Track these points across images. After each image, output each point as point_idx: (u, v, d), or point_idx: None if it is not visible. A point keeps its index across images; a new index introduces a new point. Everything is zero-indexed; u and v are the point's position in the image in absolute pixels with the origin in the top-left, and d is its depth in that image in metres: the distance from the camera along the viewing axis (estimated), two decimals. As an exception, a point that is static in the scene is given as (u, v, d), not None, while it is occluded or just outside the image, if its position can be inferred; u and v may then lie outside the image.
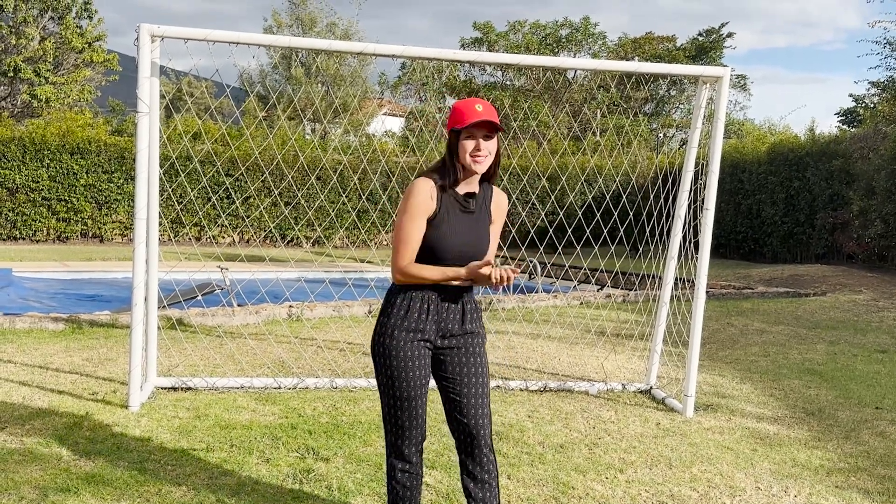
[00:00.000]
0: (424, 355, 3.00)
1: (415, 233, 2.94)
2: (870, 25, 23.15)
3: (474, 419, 3.01)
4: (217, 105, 27.14)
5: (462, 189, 3.03)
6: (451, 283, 2.97)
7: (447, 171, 2.99)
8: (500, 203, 3.15)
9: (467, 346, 3.04)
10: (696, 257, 5.66)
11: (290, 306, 8.67)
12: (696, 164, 5.90)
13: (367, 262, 15.84)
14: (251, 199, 18.97)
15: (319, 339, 7.47)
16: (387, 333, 2.98)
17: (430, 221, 2.95)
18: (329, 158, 18.75)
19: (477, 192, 3.06)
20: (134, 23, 4.98)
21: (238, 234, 19.45)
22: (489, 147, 2.97)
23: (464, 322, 3.03)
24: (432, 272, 2.94)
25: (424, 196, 2.95)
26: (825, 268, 14.90)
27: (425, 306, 2.98)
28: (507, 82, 30.06)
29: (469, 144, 2.94)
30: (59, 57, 22.29)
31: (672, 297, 6.23)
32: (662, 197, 6.37)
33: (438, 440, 4.62)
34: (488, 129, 2.94)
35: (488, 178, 3.11)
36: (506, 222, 3.43)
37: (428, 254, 2.96)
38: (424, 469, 4.09)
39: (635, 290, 11.41)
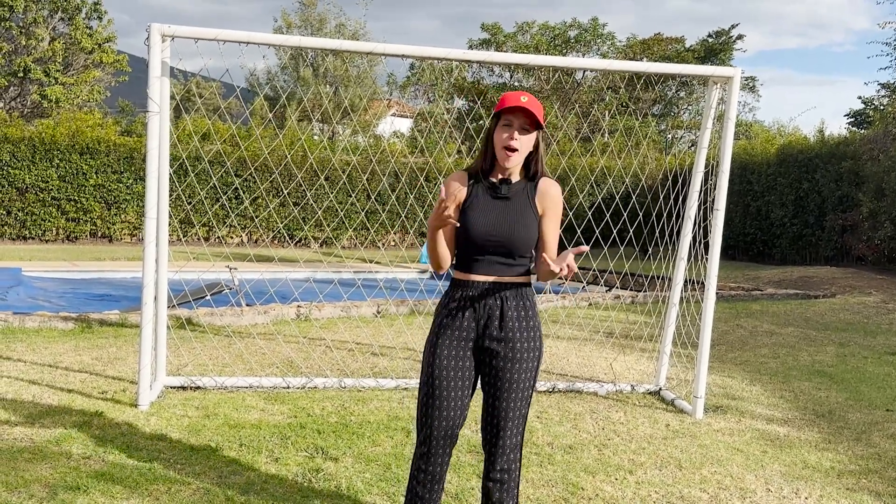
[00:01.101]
0: (464, 357, 2.97)
1: None
2: (880, 27, 23.01)
3: (504, 420, 2.99)
4: (226, 105, 27.21)
5: (497, 176, 2.99)
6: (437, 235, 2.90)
7: (483, 156, 3.00)
8: (547, 192, 2.99)
9: (507, 352, 2.95)
10: (706, 258, 5.64)
11: (299, 306, 8.67)
12: (706, 165, 5.88)
13: (376, 262, 15.85)
14: (260, 200, 19.00)
15: (328, 340, 7.47)
16: (433, 331, 3.03)
17: (462, 208, 2.96)
18: (338, 159, 18.78)
19: (516, 179, 3.00)
20: (144, 24, 5.00)
21: (247, 234, 19.49)
22: (524, 141, 2.90)
23: (504, 324, 2.94)
24: (429, 235, 2.93)
25: (454, 185, 2.99)
26: (835, 270, 14.84)
27: (463, 304, 2.97)
28: (516, 83, 30.05)
29: (503, 133, 2.90)
30: (68, 57, 22.39)
31: (681, 298, 6.21)
32: (672, 198, 6.35)
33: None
34: (527, 120, 2.88)
35: (533, 177, 3.01)
36: None
37: (460, 239, 2.96)
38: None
39: (644, 291, 11.38)
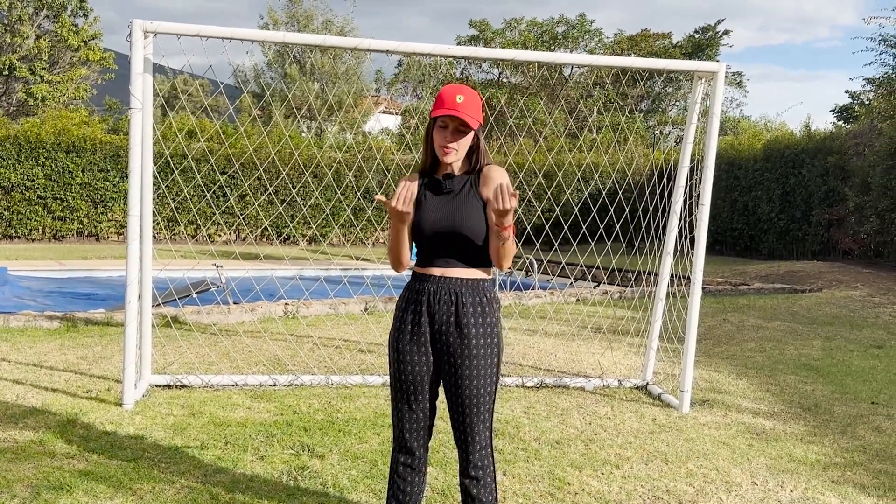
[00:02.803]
0: (425, 352, 2.98)
1: None
2: (865, 21, 23.06)
3: (469, 417, 2.99)
4: (211, 102, 27.09)
5: (441, 172, 3.03)
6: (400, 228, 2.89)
7: (424, 155, 3.03)
8: (489, 177, 2.98)
9: (463, 349, 2.95)
10: (692, 253, 5.65)
11: (286, 304, 8.64)
12: (692, 160, 5.89)
13: (363, 259, 15.82)
14: (247, 197, 18.94)
15: (315, 337, 7.45)
16: (394, 326, 3.05)
17: (415, 207, 2.97)
18: (325, 156, 18.71)
19: (458, 173, 3.01)
20: (130, 21, 4.96)
21: (233, 231, 19.41)
22: (461, 142, 2.92)
23: (459, 318, 2.94)
24: (391, 234, 2.94)
25: (408, 186, 2.94)
26: (821, 264, 14.90)
27: (421, 298, 2.97)
28: (504, 79, 30.04)
29: (438, 136, 2.93)
30: (54, 55, 22.26)
31: (668, 293, 6.22)
32: (658, 193, 6.36)
33: (434, 437, 4.59)
34: (460, 122, 2.89)
35: (474, 171, 3.02)
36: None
37: (413, 235, 2.99)
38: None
39: (631, 286, 11.40)
